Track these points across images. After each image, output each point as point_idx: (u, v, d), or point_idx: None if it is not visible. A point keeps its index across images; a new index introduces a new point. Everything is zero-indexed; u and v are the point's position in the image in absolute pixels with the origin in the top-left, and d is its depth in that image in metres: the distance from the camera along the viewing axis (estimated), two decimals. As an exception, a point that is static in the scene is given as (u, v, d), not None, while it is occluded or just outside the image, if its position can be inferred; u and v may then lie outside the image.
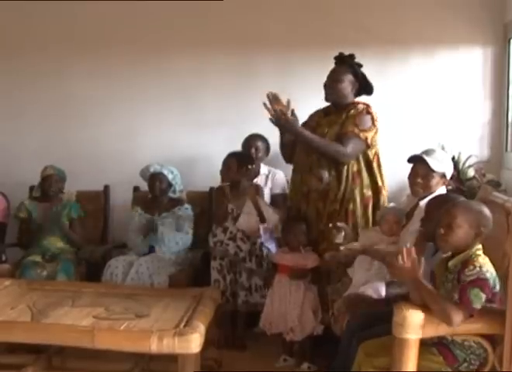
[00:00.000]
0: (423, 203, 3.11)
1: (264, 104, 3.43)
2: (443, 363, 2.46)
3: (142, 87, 4.89)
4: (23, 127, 5.08)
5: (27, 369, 3.09)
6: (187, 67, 4.92)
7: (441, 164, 3.11)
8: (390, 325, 2.42)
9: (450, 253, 2.55)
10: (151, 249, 4.29)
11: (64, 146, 4.93)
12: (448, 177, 3.18)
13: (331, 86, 3.59)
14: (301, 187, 3.68)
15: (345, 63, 3.60)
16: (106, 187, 4.80)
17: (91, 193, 4.75)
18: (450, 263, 2.51)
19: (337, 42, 4.50)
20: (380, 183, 3.60)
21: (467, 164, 4.59)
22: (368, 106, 3.57)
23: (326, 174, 3.52)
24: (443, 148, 4.29)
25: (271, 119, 3.49)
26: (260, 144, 4.52)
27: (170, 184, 4.43)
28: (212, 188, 4.62)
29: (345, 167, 3.53)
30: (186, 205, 4.48)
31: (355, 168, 3.55)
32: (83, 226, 4.57)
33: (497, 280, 2.41)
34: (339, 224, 3.27)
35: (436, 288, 2.51)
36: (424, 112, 4.83)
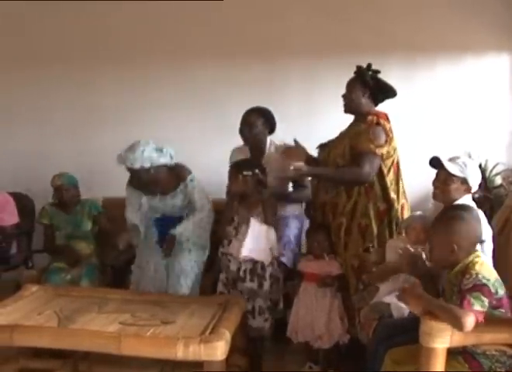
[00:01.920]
0: (448, 211, 3.10)
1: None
2: (469, 371, 2.45)
3: (167, 95, 4.93)
4: (52, 133, 5.14)
5: (54, 374, 3.15)
6: (212, 76, 4.95)
7: (462, 170, 3.05)
8: (417, 333, 2.41)
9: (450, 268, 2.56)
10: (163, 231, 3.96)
11: (90, 152, 4.99)
12: (473, 184, 3.13)
13: (345, 96, 3.59)
14: (318, 199, 3.70)
15: (358, 74, 3.57)
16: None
17: (117, 199, 4.75)
18: (451, 277, 2.53)
19: (362, 49, 4.51)
20: (394, 195, 3.51)
21: (494, 172, 4.58)
22: (378, 117, 3.48)
23: (332, 187, 3.53)
24: (469, 156, 4.26)
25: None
26: (254, 119, 4.06)
27: (152, 168, 3.76)
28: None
29: None
30: (190, 177, 3.93)
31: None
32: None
33: (499, 285, 2.41)
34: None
35: (446, 302, 2.51)
36: (451, 120, 4.82)
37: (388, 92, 3.55)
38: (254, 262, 3.55)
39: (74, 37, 5.11)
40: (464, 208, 2.64)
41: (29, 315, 3.09)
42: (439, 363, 2.33)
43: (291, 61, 4.88)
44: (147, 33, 5.04)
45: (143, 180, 3.85)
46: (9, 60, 5.21)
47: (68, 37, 5.12)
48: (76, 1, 4.95)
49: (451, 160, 3.11)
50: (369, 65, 3.52)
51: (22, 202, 4.86)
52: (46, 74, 5.10)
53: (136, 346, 2.70)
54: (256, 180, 3.58)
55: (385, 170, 3.48)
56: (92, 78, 5.05)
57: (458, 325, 2.30)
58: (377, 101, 3.59)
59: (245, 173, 3.57)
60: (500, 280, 2.43)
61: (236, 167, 3.67)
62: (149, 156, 3.72)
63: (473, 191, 3.14)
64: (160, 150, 3.81)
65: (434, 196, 3.18)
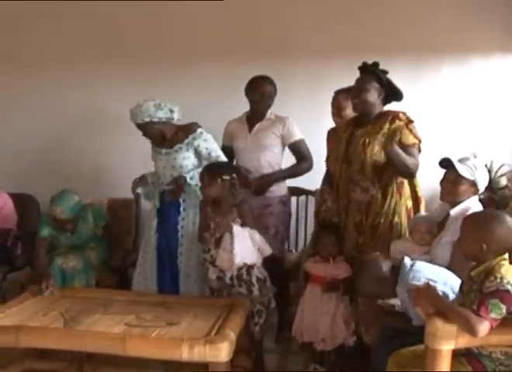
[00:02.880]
0: (454, 213, 3.09)
1: None
2: None
3: (173, 95, 4.92)
4: (56, 133, 5.14)
5: (59, 375, 3.16)
6: (216, 75, 4.94)
7: (472, 172, 3.06)
8: (420, 335, 2.41)
9: (474, 263, 2.52)
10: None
11: (96, 152, 4.99)
12: (481, 187, 3.12)
13: (358, 96, 3.49)
14: (342, 200, 3.57)
15: (369, 72, 3.51)
16: (138, 195, 4.79)
17: (122, 200, 4.75)
18: (473, 273, 2.49)
19: (368, 50, 4.46)
20: (419, 192, 3.53)
21: (499, 173, 4.56)
22: (406, 115, 3.47)
23: (371, 186, 3.44)
24: (475, 156, 4.25)
25: None
26: (269, 88, 4.09)
27: (157, 123, 3.92)
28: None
29: (392, 180, 3.44)
30: (200, 129, 3.98)
31: (399, 180, 3.45)
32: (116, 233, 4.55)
33: None
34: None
35: (463, 297, 2.50)
36: (457, 121, 4.80)
37: (397, 95, 3.52)
38: (239, 268, 3.47)
39: (82, 37, 5.11)
40: (502, 214, 2.57)
41: (34, 316, 3.11)
42: (444, 364, 2.33)
43: (297, 62, 4.86)
44: (152, 33, 5.05)
45: (147, 135, 3.99)
46: (19, 60, 5.24)
47: (77, 37, 5.12)
48: (84, 1, 4.97)
49: (461, 161, 3.10)
50: (376, 63, 3.49)
51: (27, 203, 4.86)
52: (54, 74, 5.10)
53: (141, 347, 2.71)
54: (231, 184, 3.53)
55: None
56: (98, 78, 5.05)
57: (471, 331, 2.29)
58: (386, 102, 3.56)
59: (224, 177, 3.51)
60: None
61: (212, 171, 3.57)
62: (146, 110, 3.88)
63: (480, 192, 3.14)
64: (158, 105, 3.92)
65: (442, 197, 3.18)
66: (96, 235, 4.36)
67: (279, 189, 4.16)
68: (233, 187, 3.53)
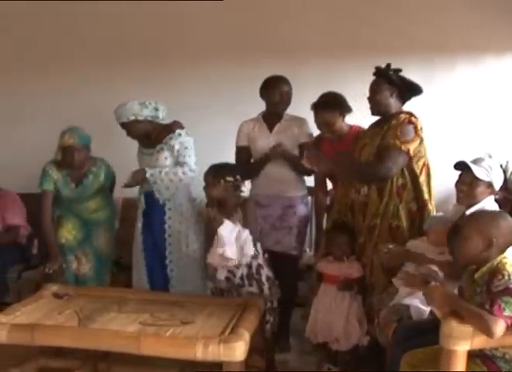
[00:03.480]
0: (469, 213, 3.08)
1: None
2: None
3: (185, 95, 4.94)
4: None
5: (74, 373, 3.18)
6: (227, 75, 4.95)
7: (488, 173, 3.04)
8: (434, 335, 2.40)
9: (475, 266, 2.51)
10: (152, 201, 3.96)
11: (105, 153, 4.98)
12: (497, 187, 3.12)
13: (370, 99, 3.51)
14: (345, 199, 3.62)
15: (380, 74, 3.50)
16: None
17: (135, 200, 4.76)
18: (476, 276, 2.48)
19: (381, 50, 4.49)
20: (427, 196, 3.45)
21: (515, 173, 4.53)
22: (410, 115, 3.43)
23: (364, 187, 3.45)
24: (490, 156, 4.23)
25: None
26: (286, 88, 4.04)
27: (140, 122, 3.89)
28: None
29: (389, 181, 3.39)
30: (178, 131, 3.93)
31: (400, 182, 3.40)
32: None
33: None
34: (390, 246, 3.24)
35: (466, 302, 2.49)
36: (471, 120, 4.79)
37: (414, 90, 3.49)
38: (249, 267, 3.46)
39: (91, 38, 5.15)
40: (503, 211, 2.62)
41: (49, 315, 3.12)
42: (460, 365, 2.31)
43: (308, 62, 4.87)
44: (161, 34, 5.07)
45: (133, 135, 3.96)
46: (30, 59, 5.27)
47: (86, 38, 5.16)
48: (93, 1, 5.00)
49: (475, 162, 3.08)
50: (388, 65, 3.47)
51: (36, 203, 4.86)
52: (66, 75, 5.13)
53: (155, 346, 2.70)
54: (235, 185, 3.50)
55: (418, 171, 3.42)
56: (107, 78, 5.07)
57: (487, 332, 2.28)
58: (404, 99, 3.53)
59: (228, 178, 3.50)
60: None
61: (215, 172, 3.54)
62: (131, 109, 3.85)
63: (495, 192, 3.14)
64: (143, 103, 3.88)
65: (459, 200, 3.15)
66: (102, 197, 4.29)
67: (302, 189, 4.15)
68: (237, 189, 3.51)
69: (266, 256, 3.55)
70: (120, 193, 4.47)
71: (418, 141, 3.39)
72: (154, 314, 3.10)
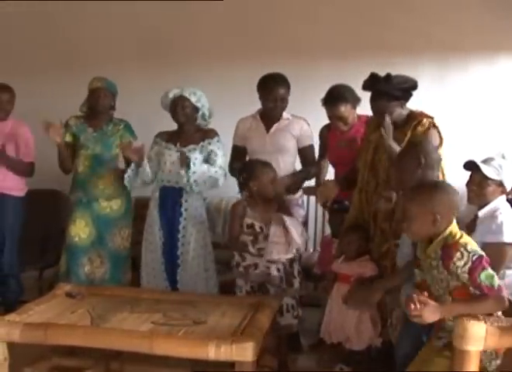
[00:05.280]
0: (482, 214, 3.08)
1: None
2: None
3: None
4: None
5: (86, 372, 3.19)
6: (238, 76, 4.96)
7: (498, 172, 3.05)
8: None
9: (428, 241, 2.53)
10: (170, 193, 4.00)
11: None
12: (508, 187, 3.10)
13: (383, 118, 3.33)
14: (367, 207, 3.53)
15: (379, 92, 3.33)
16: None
17: (148, 199, 4.75)
18: (428, 251, 2.50)
19: (394, 49, 4.48)
20: None
21: (528, 173, 4.50)
22: (432, 119, 3.34)
23: (394, 194, 3.33)
24: (503, 157, 4.20)
25: None
26: (282, 91, 3.95)
27: (196, 109, 3.99)
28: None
29: None
30: (217, 138, 4.03)
31: None
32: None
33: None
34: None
35: (422, 272, 2.56)
36: (484, 120, 4.77)
37: (412, 87, 3.37)
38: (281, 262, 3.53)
39: (104, 38, 5.18)
40: (440, 181, 2.65)
41: (62, 314, 3.13)
42: (473, 366, 2.29)
43: (320, 61, 4.87)
44: (176, 33, 5.09)
45: (182, 114, 3.95)
46: (42, 59, 5.31)
47: (99, 38, 5.19)
48: (108, 1, 5.02)
49: (486, 161, 3.09)
50: (374, 75, 3.33)
51: (57, 199, 4.92)
52: (78, 75, 5.13)
53: (167, 346, 2.71)
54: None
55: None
56: (119, 78, 5.07)
57: (498, 310, 2.37)
58: (407, 99, 3.44)
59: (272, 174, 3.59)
60: None
61: (270, 167, 3.62)
62: (201, 95, 3.98)
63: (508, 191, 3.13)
64: (210, 111, 4.04)
65: (469, 200, 3.15)
66: (117, 180, 4.20)
67: (295, 195, 4.12)
68: (274, 182, 3.60)
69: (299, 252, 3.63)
70: (134, 192, 4.48)
71: (442, 145, 3.36)
72: (167, 313, 3.10)
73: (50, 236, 4.50)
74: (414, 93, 3.37)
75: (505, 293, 2.34)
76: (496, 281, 2.33)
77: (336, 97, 3.84)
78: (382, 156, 3.41)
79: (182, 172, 3.85)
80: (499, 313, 2.46)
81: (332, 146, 4.11)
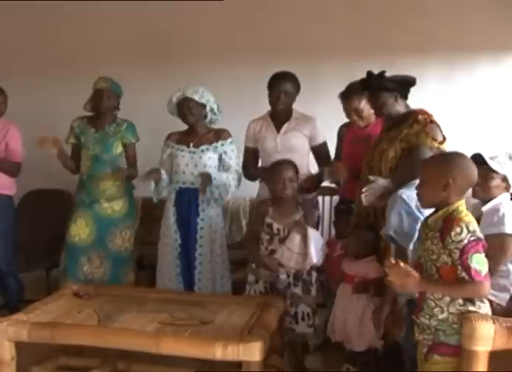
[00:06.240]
0: (485, 209, 3.12)
1: None
2: None
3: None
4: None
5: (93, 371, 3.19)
6: (248, 75, 4.96)
7: (502, 167, 3.10)
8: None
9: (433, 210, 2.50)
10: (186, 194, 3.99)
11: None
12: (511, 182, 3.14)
13: (380, 113, 3.46)
14: (367, 208, 3.49)
15: (372, 87, 3.40)
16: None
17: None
18: (429, 221, 2.48)
19: (401, 49, 4.48)
20: None
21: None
22: (427, 115, 3.35)
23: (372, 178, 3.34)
24: (510, 157, 4.20)
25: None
26: (289, 86, 3.94)
27: (203, 106, 3.95)
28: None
29: None
30: (231, 139, 4.04)
31: None
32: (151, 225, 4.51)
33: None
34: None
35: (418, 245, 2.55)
36: (491, 119, 4.76)
37: (408, 82, 3.38)
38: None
39: (115, 37, 5.19)
40: (461, 152, 2.54)
41: (69, 313, 3.14)
42: (481, 366, 2.29)
43: (329, 61, 4.87)
44: (187, 32, 5.10)
45: (190, 114, 3.93)
46: (51, 58, 5.32)
47: (110, 37, 5.21)
48: (115, 1, 5.03)
49: (491, 158, 3.13)
50: (369, 73, 3.39)
51: (64, 199, 4.91)
52: (82, 74, 5.14)
53: (174, 346, 2.71)
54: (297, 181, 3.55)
55: None
56: (131, 76, 5.08)
57: (477, 297, 2.35)
58: (406, 95, 3.44)
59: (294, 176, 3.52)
60: None
61: (294, 166, 3.55)
62: (206, 94, 3.95)
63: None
64: (217, 104, 4.02)
65: (474, 193, 3.16)
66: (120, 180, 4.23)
67: (309, 195, 4.03)
68: (298, 185, 3.56)
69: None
70: (141, 192, 4.49)
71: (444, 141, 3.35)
72: (174, 313, 3.10)
73: (57, 236, 4.47)
74: (421, 92, 3.38)
75: (489, 283, 2.32)
76: (486, 269, 2.30)
77: (351, 90, 3.88)
78: (376, 156, 3.43)
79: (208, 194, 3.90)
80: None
81: (347, 141, 4.13)
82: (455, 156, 2.47)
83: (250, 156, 4.14)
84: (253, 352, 2.61)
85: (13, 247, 4.39)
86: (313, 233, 3.42)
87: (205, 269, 3.96)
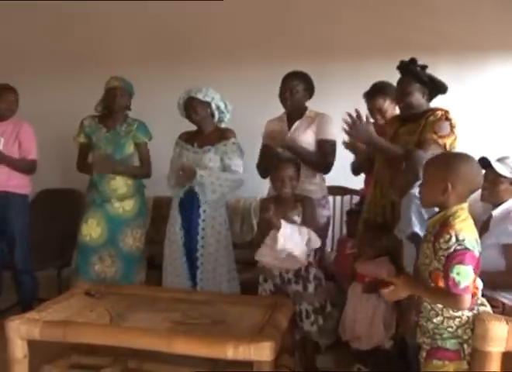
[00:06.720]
0: (496, 213, 3.09)
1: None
2: None
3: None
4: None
5: (105, 370, 3.22)
6: (258, 76, 4.97)
7: (511, 171, 3.06)
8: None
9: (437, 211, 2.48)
10: (190, 195, 3.97)
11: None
12: None
13: (402, 100, 3.43)
14: (381, 201, 3.53)
15: (408, 72, 3.40)
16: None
17: (168, 199, 4.75)
18: (430, 222, 2.46)
19: (412, 48, 4.44)
20: None
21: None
22: (446, 112, 3.35)
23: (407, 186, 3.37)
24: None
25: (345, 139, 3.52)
26: (296, 83, 3.91)
27: (207, 104, 3.94)
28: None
29: None
30: (233, 139, 4.01)
31: None
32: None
33: (477, 245, 2.31)
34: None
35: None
36: (502, 119, 4.74)
37: (442, 88, 3.41)
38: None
39: (127, 37, 5.21)
40: (468, 155, 2.48)
41: (81, 312, 3.16)
42: (494, 367, 2.28)
43: (340, 61, 4.87)
44: (191, 34, 5.11)
45: (195, 114, 3.95)
46: (59, 59, 5.35)
47: (122, 38, 5.23)
48: (128, 1, 5.05)
49: (500, 160, 3.11)
50: (413, 59, 3.39)
51: (75, 198, 4.94)
52: (93, 74, 5.17)
53: (186, 345, 2.71)
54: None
55: None
56: (141, 77, 5.09)
57: (456, 309, 2.32)
58: (431, 98, 3.45)
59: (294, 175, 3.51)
60: (478, 240, 2.35)
61: (297, 164, 3.56)
62: (213, 93, 3.96)
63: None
64: (224, 102, 4.00)
65: (482, 197, 3.15)
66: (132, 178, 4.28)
67: (321, 191, 4.00)
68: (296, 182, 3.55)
69: (319, 255, 3.56)
70: (153, 192, 4.49)
71: (453, 137, 3.32)
72: (185, 312, 3.12)
73: (69, 235, 4.49)
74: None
75: (468, 296, 2.27)
76: (466, 282, 2.24)
77: (376, 89, 3.92)
78: None
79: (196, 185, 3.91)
80: None
81: None
82: (458, 160, 2.42)
83: (266, 152, 4.08)
84: (264, 352, 2.62)
85: (28, 245, 4.42)
86: (290, 227, 3.33)
87: (207, 269, 3.97)
